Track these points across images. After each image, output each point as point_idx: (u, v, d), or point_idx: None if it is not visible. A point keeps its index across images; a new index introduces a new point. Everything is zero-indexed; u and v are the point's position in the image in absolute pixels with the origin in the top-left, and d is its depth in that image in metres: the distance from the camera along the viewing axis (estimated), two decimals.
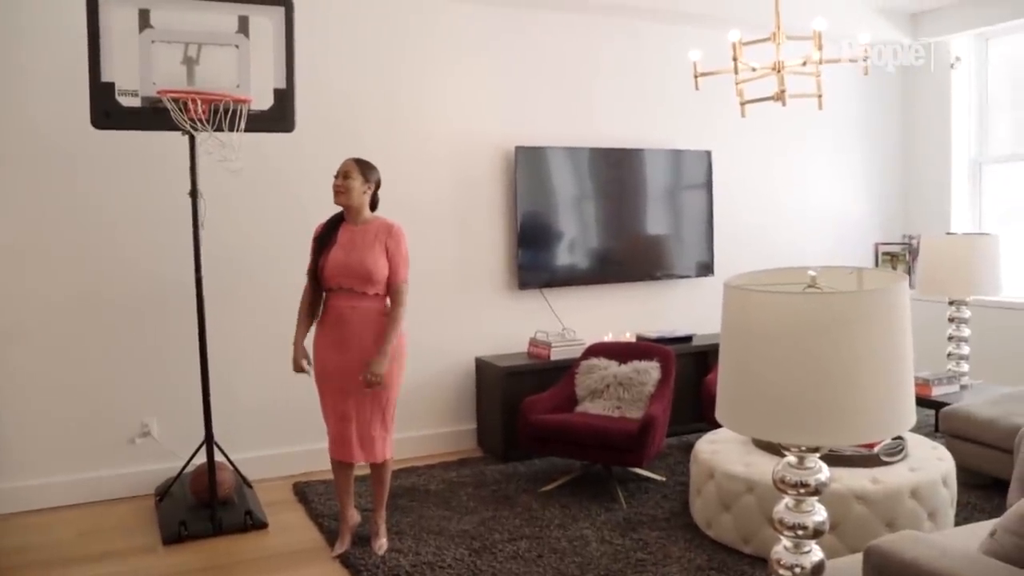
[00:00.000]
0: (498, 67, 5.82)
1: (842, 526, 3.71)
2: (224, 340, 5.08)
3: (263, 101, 4.25)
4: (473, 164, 5.78)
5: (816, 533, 2.38)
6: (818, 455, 2.37)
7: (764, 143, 6.85)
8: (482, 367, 5.66)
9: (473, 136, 5.73)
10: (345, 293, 4.04)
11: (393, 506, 4.70)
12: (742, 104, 4.48)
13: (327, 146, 5.29)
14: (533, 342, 5.72)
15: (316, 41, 5.21)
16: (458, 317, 5.71)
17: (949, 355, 5.69)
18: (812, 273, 2.34)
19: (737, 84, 4.54)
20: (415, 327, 5.55)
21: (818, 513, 2.39)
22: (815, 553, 2.40)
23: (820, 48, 3.96)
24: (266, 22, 4.20)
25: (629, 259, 6.24)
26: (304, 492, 4.97)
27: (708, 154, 6.40)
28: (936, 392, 5.32)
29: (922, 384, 5.37)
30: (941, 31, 7.01)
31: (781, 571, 2.38)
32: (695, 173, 6.41)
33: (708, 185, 6.44)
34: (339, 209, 4.15)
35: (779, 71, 4.23)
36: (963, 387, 5.52)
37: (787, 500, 2.40)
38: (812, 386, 2.13)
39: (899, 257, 7.36)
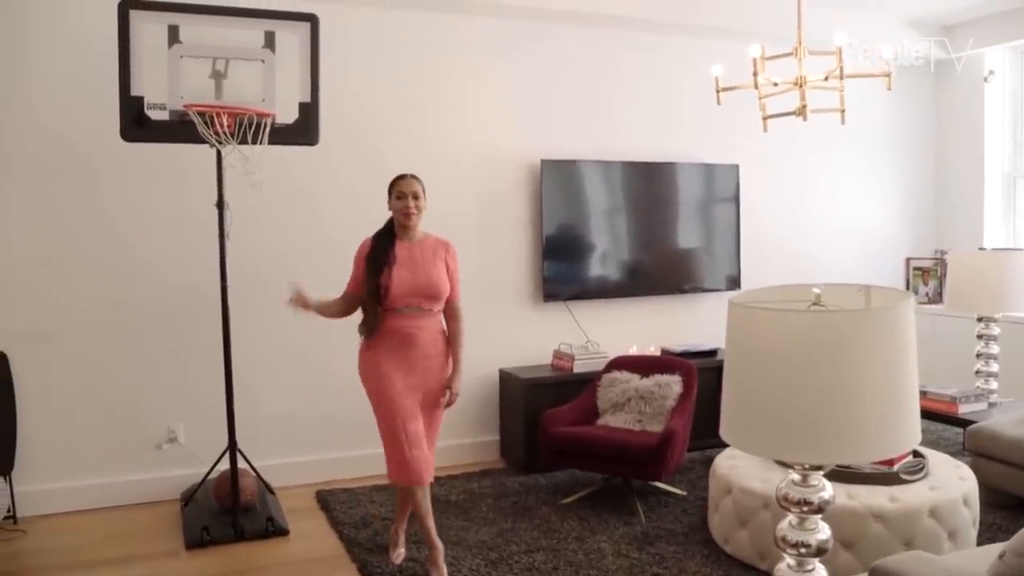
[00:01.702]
0: (522, 80, 5.86)
1: (859, 544, 3.69)
2: (250, 349, 5.16)
3: (288, 115, 4.32)
4: (498, 177, 5.81)
5: (819, 551, 2.38)
6: (822, 473, 2.37)
7: (793, 157, 6.82)
8: (505, 379, 5.68)
9: (498, 149, 5.77)
10: (412, 313, 3.96)
11: (413, 515, 4.73)
12: (764, 119, 4.47)
13: (351, 160, 5.40)
14: (557, 354, 5.74)
15: (340, 56, 5.28)
16: (483, 329, 5.72)
17: (977, 372, 5.62)
18: (817, 291, 2.34)
19: (760, 99, 4.53)
20: None
21: (821, 531, 2.39)
22: (818, 571, 2.41)
23: (840, 63, 3.94)
24: (292, 37, 4.27)
25: (656, 272, 6.24)
26: (326, 500, 5.02)
27: (736, 168, 6.39)
28: (963, 410, 5.25)
29: (949, 402, 5.31)
30: (975, 44, 6.93)
31: None
32: (723, 187, 6.40)
33: (736, 199, 6.43)
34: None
35: (801, 86, 4.21)
36: (991, 405, 5.45)
37: (790, 518, 2.40)
38: (814, 404, 2.13)
39: (931, 272, 7.29)
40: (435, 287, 4.00)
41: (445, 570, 3.98)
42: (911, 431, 2.23)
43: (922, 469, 4.03)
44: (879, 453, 2.22)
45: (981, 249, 6.79)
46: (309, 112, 4.36)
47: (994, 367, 5.59)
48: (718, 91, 4.41)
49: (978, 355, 5.64)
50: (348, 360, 5.40)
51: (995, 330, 5.60)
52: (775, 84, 4.22)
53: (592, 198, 5.97)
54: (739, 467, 4.21)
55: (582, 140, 6.01)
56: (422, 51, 5.57)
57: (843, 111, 4.32)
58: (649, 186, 6.15)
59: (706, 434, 5.60)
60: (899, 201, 7.43)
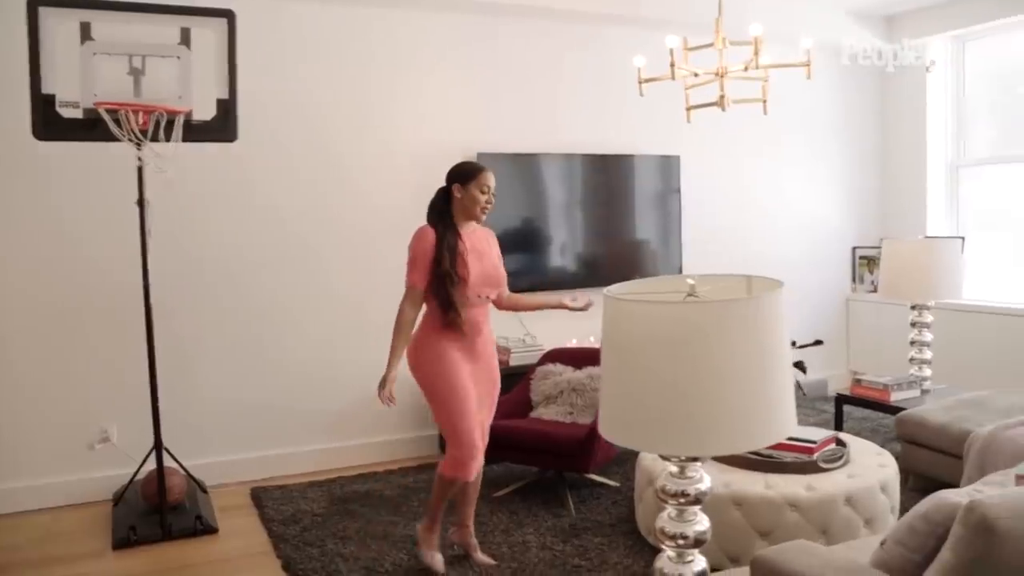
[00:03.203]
0: (462, 74, 5.84)
1: (775, 533, 3.71)
2: (185, 347, 5.15)
3: (207, 111, 4.28)
4: (438, 170, 5.75)
5: (697, 543, 2.38)
6: (699, 464, 2.38)
7: (736, 147, 6.84)
8: None
9: (438, 142, 5.72)
10: (479, 302, 3.94)
11: (345, 511, 4.74)
12: (688, 110, 4.48)
13: (294, 154, 5.38)
14: (497, 348, 5.71)
15: (277, 50, 5.27)
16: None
17: (911, 360, 5.66)
18: (691, 281, 2.34)
19: (686, 89, 4.54)
20: (380, 331, 5.60)
21: (700, 523, 2.39)
22: (698, 563, 2.41)
23: (756, 53, 3.95)
24: (209, 33, 4.24)
25: (597, 265, 6.24)
26: (260, 497, 5.00)
27: (677, 159, 6.39)
28: (896, 397, 5.29)
29: (881, 389, 5.35)
30: (916, 34, 6.97)
31: None
32: (665, 178, 6.40)
33: (677, 190, 6.43)
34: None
35: (722, 76, 4.22)
36: (925, 392, 5.49)
37: (669, 510, 2.40)
38: (681, 396, 2.13)
39: (876, 261, 7.33)
40: (501, 275, 4.03)
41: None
42: (783, 421, 2.24)
43: (841, 457, 4.05)
44: (750, 443, 2.22)
45: (927, 238, 6.83)
46: (228, 109, 4.33)
47: (927, 354, 5.63)
48: (640, 83, 4.40)
49: (912, 342, 5.67)
50: (284, 358, 5.44)
51: (928, 318, 5.64)
52: (695, 75, 4.22)
53: (532, 191, 5.97)
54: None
55: (523, 133, 6.00)
56: (361, 45, 5.54)
57: (765, 101, 4.33)
58: (590, 178, 6.16)
59: None
60: (845, 190, 7.47)
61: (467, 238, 3.94)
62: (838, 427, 5.57)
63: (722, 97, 4.21)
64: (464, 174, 3.97)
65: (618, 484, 5.01)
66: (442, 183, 5.74)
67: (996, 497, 2.09)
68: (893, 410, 5.17)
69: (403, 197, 5.67)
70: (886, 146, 7.55)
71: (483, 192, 3.92)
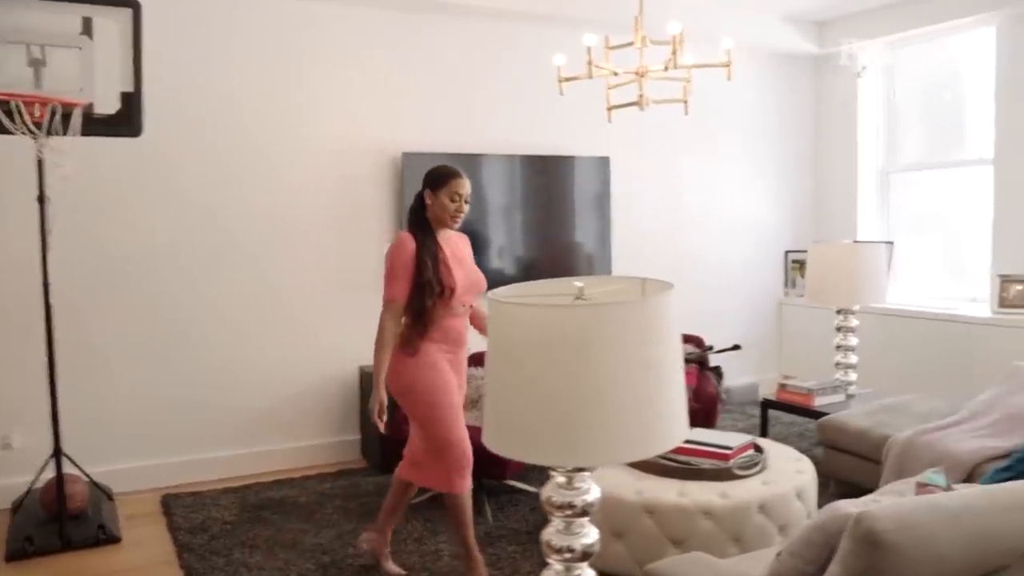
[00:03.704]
0: (384, 72, 5.71)
1: (688, 542, 3.64)
2: (94, 348, 4.99)
3: (110, 105, 4.12)
4: (358, 170, 5.66)
5: (585, 556, 2.29)
6: (587, 474, 2.29)
7: (669, 149, 6.79)
8: (365, 376, 5.54)
9: (358, 141, 5.62)
10: (462, 311, 3.78)
11: (256, 519, 4.60)
12: (608, 109, 4.41)
13: (210, 148, 5.24)
14: None
15: (198, 41, 5.13)
16: (342, 326, 5.60)
17: (837, 364, 5.64)
18: (579, 284, 2.25)
19: (609, 88, 4.47)
20: (298, 335, 5.48)
21: (588, 535, 2.30)
22: (586, 575, 2.32)
23: (675, 53, 3.88)
24: (112, 24, 4.07)
25: (523, 267, 6.14)
26: (170, 505, 4.84)
27: (606, 160, 6.32)
28: (819, 402, 5.26)
29: (805, 394, 5.32)
30: (848, 39, 6.98)
31: None
32: (593, 180, 6.33)
33: (606, 192, 6.36)
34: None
35: (642, 76, 4.15)
36: (850, 396, 5.47)
37: (556, 522, 2.31)
38: (566, 404, 2.04)
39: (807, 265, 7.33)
40: (482, 283, 3.84)
41: None
42: (670, 429, 2.16)
43: (758, 464, 3.99)
44: (634, 453, 2.12)
45: (852, 243, 6.85)
46: (132, 102, 4.16)
47: (853, 359, 5.63)
48: (560, 82, 4.32)
49: (837, 347, 5.66)
50: (200, 359, 5.27)
51: (853, 322, 5.63)
52: (615, 74, 4.15)
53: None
54: None
55: (447, 133, 5.89)
56: (282, 39, 5.39)
57: (686, 102, 4.27)
58: (522, 180, 6.07)
59: None
60: (779, 194, 7.46)
61: (445, 245, 3.78)
62: (763, 432, 5.53)
63: (641, 97, 4.13)
64: (434, 180, 3.79)
65: (538, 490, 4.92)
66: (364, 183, 5.68)
67: (884, 509, 2.02)
68: (816, 415, 5.14)
69: (325, 195, 5.57)
70: (819, 150, 7.57)
71: (453, 200, 3.75)
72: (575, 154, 6.26)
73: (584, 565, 2.31)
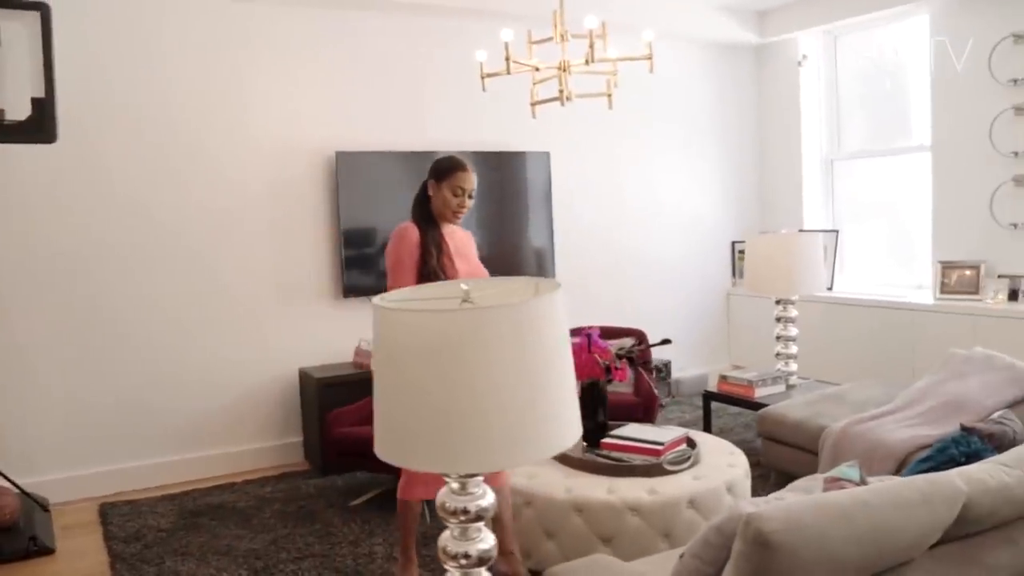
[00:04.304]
0: (316, 70, 5.64)
1: (617, 539, 3.63)
2: (26, 355, 4.90)
3: (21, 111, 4.04)
4: (292, 170, 5.59)
5: (481, 561, 2.26)
6: (480, 479, 2.26)
7: (610, 143, 6.78)
8: (304, 378, 5.49)
9: (292, 140, 5.56)
10: None
11: (192, 526, 4.55)
12: (532, 105, 4.38)
13: (140, 150, 5.17)
14: (358, 352, 5.56)
15: (122, 43, 5.04)
16: (280, 327, 5.55)
17: (777, 355, 5.66)
18: (465, 287, 2.22)
19: (534, 84, 4.44)
20: (237, 337, 5.43)
21: (483, 541, 2.27)
22: None
23: (591, 47, 3.86)
24: (19, 27, 3.99)
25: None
26: (108, 514, 4.78)
27: (547, 155, 6.29)
28: (759, 394, 5.27)
29: (746, 386, 5.32)
30: (788, 28, 7.00)
31: None
32: (533, 175, 6.29)
33: (547, 187, 6.33)
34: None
35: (564, 71, 4.12)
36: (790, 387, 5.48)
37: (451, 529, 2.28)
38: (450, 409, 2.01)
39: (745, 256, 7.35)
40: (485, 278, 3.74)
41: None
42: (562, 430, 2.14)
43: (689, 458, 3.98)
44: (522, 457, 2.09)
45: (787, 232, 6.87)
46: (44, 108, 4.08)
47: (793, 349, 5.64)
48: (483, 77, 4.29)
49: (777, 337, 5.67)
50: (133, 367, 5.20)
51: (792, 312, 5.64)
52: (536, 69, 4.12)
53: (392, 190, 5.80)
54: None
55: (383, 131, 5.84)
56: (211, 39, 5.32)
57: (610, 95, 4.24)
58: None
59: None
60: (724, 185, 7.47)
61: (449, 238, 3.67)
62: (706, 424, 5.53)
63: (561, 92, 4.11)
64: (439, 171, 3.65)
65: None
66: (299, 183, 5.62)
67: (774, 509, 2.01)
68: (757, 406, 5.14)
69: (261, 195, 5.52)
70: (763, 140, 7.59)
71: (456, 195, 3.61)
72: (516, 149, 6.22)
73: (481, 571, 2.29)
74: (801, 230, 7.02)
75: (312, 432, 5.37)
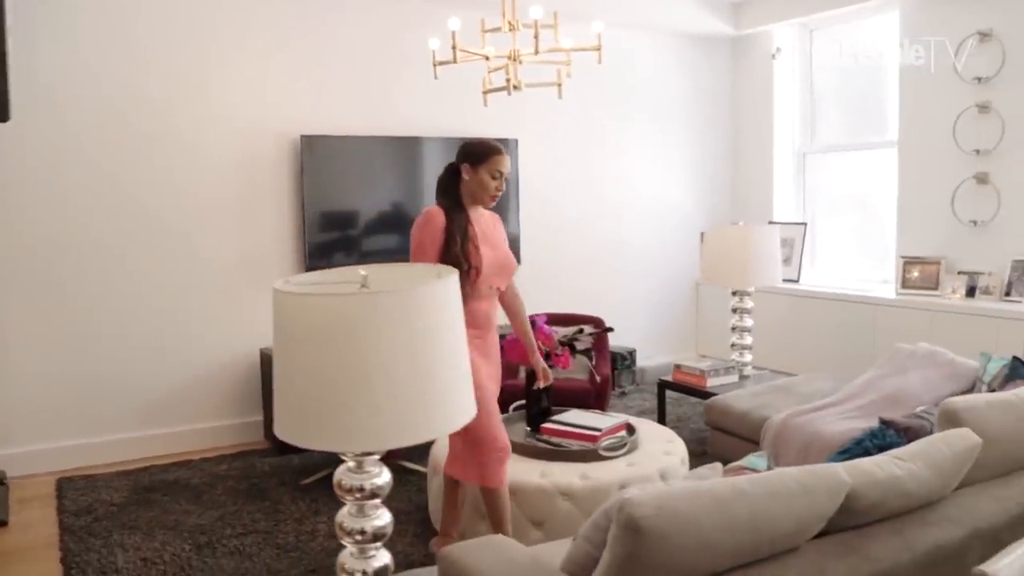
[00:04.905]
0: (282, 53, 5.67)
1: (548, 523, 3.70)
2: None
3: None
4: (259, 152, 5.63)
5: (376, 537, 2.33)
6: (377, 457, 2.33)
7: (582, 132, 6.81)
8: (266, 358, 5.56)
9: (257, 124, 5.58)
10: (489, 294, 3.60)
11: (144, 501, 4.62)
12: (484, 93, 4.42)
13: (107, 132, 5.22)
14: None
15: (88, 22, 5.08)
16: (244, 308, 5.60)
17: (732, 345, 5.71)
18: (363, 273, 2.28)
19: (489, 72, 4.49)
20: (201, 317, 5.49)
21: (380, 518, 2.34)
22: (380, 558, 2.36)
23: (536, 37, 3.91)
24: None
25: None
26: (63, 488, 4.85)
27: (515, 142, 6.33)
28: (711, 383, 5.32)
29: (699, 375, 5.38)
30: (763, 21, 7.02)
31: None
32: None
33: (514, 175, 6.37)
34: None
35: (515, 60, 4.16)
36: (744, 377, 5.54)
37: (349, 506, 2.35)
38: (343, 390, 2.09)
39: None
40: (513, 265, 3.69)
41: None
42: (452, 412, 2.21)
43: (625, 445, 4.05)
44: (411, 437, 2.15)
45: (771, 223, 6.93)
46: None
47: (748, 340, 5.70)
48: (435, 65, 4.33)
49: (733, 328, 5.73)
50: (96, 344, 5.26)
51: (748, 304, 5.69)
52: (487, 58, 4.16)
53: (357, 174, 5.85)
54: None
55: (349, 115, 5.87)
56: (178, 20, 5.35)
57: (560, 85, 4.29)
58: (422, 162, 6.08)
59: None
60: (697, 176, 7.52)
61: (476, 222, 3.60)
62: (661, 412, 5.60)
63: (508, 81, 4.15)
64: (475, 155, 3.58)
65: (426, 470, 4.97)
66: (264, 166, 5.66)
67: (648, 495, 2.06)
68: (707, 396, 5.20)
69: (226, 177, 5.56)
70: (737, 132, 7.63)
71: (494, 177, 3.57)
72: (483, 136, 6.24)
73: (378, 546, 2.36)
74: (771, 222, 7.06)
75: (272, 411, 5.42)
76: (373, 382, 2.08)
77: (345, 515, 2.35)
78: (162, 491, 4.77)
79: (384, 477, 2.33)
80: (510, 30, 4.08)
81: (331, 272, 2.51)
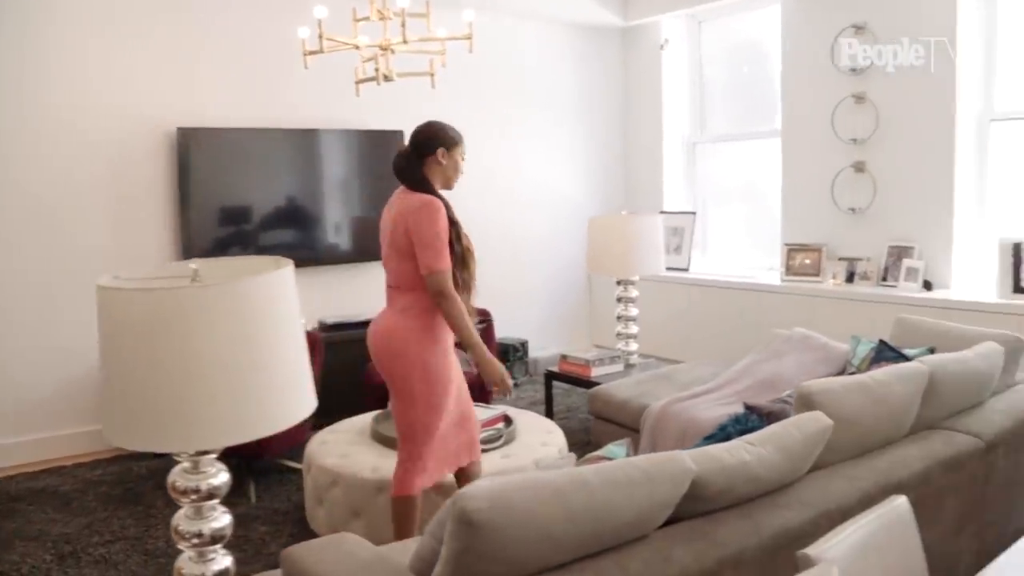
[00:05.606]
0: (158, 42, 5.47)
1: (424, 520, 3.63)
2: None
3: None
4: (133, 146, 5.41)
5: (215, 540, 2.27)
6: (214, 456, 2.26)
7: (474, 122, 6.72)
8: None
9: (128, 116, 5.38)
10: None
11: (7, 511, 4.44)
12: (357, 83, 4.36)
13: None
14: None
15: None
16: None
17: (618, 335, 5.75)
18: (194, 266, 2.21)
19: (364, 62, 4.42)
20: (76, 319, 5.28)
21: (217, 520, 2.27)
22: (219, 561, 2.30)
23: (403, 26, 3.85)
24: None
25: (315, 243, 6.07)
26: None
27: (400, 133, 6.25)
28: (596, 373, 5.34)
29: (583, 365, 5.40)
30: (651, 12, 7.07)
31: None
32: (385, 154, 6.25)
33: None
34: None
35: (386, 50, 4.10)
36: (629, 366, 5.57)
37: (185, 508, 2.27)
38: (169, 387, 2.02)
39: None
40: None
41: None
42: (288, 407, 2.16)
43: (501, 437, 4.02)
44: (243, 434, 2.11)
45: (630, 214, 6.98)
46: None
47: (633, 329, 5.73)
48: (305, 55, 4.24)
49: (618, 317, 5.75)
50: (16, 341, 5.06)
51: (633, 292, 5.73)
52: (357, 48, 4.09)
53: (244, 167, 5.71)
54: (329, 443, 4.13)
55: (232, 107, 5.69)
56: (40, 4, 5.14)
57: (433, 75, 4.25)
58: (303, 155, 5.98)
59: (350, 408, 5.43)
60: (590, 166, 7.54)
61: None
62: (548, 403, 5.60)
63: (377, 71, 4.09)
64: (450, 138, 3.50)
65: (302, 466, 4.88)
66: (140, 159, 5.45)
67: (482, 488, 2.03)
68: (591, 385, 5.21)
69: (94, 175, 5.34)
70: (628, 123, 7.67)
71: (463, 159, 3.57)
72: (370, 128, 6.18)
73: (217, 548, 2.29)
74: (662, 211, 7.12)
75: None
76: (206, 378, 2.02)
77: (181, 518, 2.28)
78: (27, 500, 4.59)
79: (222, 477, 2.26)
80: (380, 19, 4.01)
81: (167, 266, 2.44)
